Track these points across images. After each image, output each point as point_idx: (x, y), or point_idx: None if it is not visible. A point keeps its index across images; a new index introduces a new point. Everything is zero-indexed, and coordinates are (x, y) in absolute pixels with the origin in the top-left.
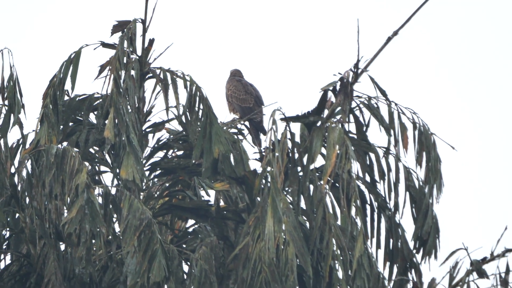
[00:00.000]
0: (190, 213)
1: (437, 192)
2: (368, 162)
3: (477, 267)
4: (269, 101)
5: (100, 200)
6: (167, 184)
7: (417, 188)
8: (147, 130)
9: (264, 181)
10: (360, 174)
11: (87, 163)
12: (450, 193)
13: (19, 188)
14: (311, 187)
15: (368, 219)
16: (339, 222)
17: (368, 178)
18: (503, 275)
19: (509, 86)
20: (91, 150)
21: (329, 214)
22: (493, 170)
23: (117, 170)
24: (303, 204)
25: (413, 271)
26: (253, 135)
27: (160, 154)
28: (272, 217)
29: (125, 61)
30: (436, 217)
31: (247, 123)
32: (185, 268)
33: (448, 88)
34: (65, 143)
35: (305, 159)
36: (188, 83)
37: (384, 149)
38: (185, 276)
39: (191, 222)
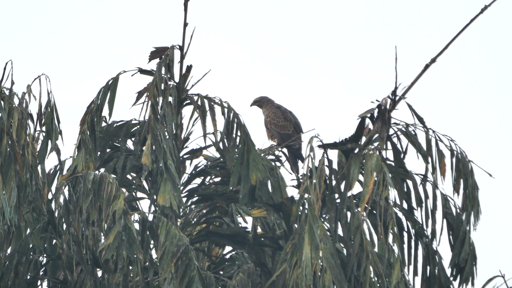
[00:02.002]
0: (227, 239)
1: (474, 219)
2: (405, 189)
3: None
4: (307, 128)
5: (137, 226)
6: (204, 211)
7: (454, 215)
8: (185, 156)
9: (301, 208)
10: (398, 201)
11: (124, 190)
12: (487, 220)
13: (56, 214)
14: (349, 214)
15: (406, 246)
16: (376, 249)
17: (405, 205)
18: None
19: None
20: (128, 176)
21: (367, 241)
22: None
23: (155, 197)
24: (340, 231)
25: None
26: (291, 162)
27: (198, 180)
28: (310, 244)
29: (162, 88)
30: (473, 244)
31: (285, 150)
32: None
33: (486, 115)
34: (102, 170)
35: (342, 186)
36: (225, 110)
37: (422, 176)
38: None
39: (228, 248)
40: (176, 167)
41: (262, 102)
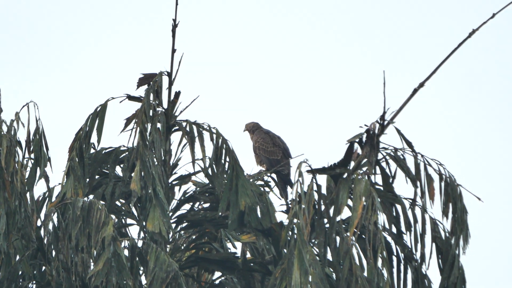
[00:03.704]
0: (216, 265)
1: (464, 243)
2: (394, 214)
3: None
4: (296, 153)
5: (126, 252)
6: (193, 237)
7: (443, 239)
8: (174, 182)
9: (290, 233)
10: (387, 226)
11: (113, 216)
12: (476, 244)
13: (45, 241)
14: (338, 238)
15: (395, 270)
16: (365, 274)
17: (394, 230)
18: None
19: None
20: (117, 203)
21: (356, 265)
22: None
23: (144, 223)
24: (329, 256)
25: None
26: (280, 187)
27: (187, 206)
28: (299, 268)
29: (151, 114)
30: (463, 268)
31: (274, 175)
32: None
33: (474, 139)
34: (91, 196)
35: (331, 211)
36: (214, 136)
37: (411, 201)
38: None
39: (217, 274)
40: (165, 193)
41: (250, 127)
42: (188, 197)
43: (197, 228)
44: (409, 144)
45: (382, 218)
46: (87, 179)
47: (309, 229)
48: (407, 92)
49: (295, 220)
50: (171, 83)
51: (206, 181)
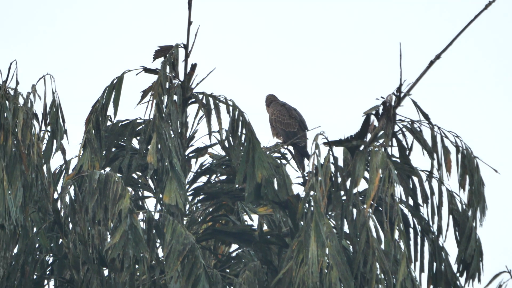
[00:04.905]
0: (233, 237)
1: (481, 215)
2: (411, 186)
3: None
4: (312, 125)
5: (143, 225)
6: (210, 209)
7: (460, 211)
8: (190, 155)
9: (307, 205)
10: (403, 198)
11: (130, 189)
12: (493, 216)
13: (62, 213)
14: (354, 211)
15: (412, 242)
16: (382, 246)
17: (411, 202)
18: None
19: None
20: (134, 175)
21: (373, 238)
22: None
23: (160, 195)
24: (346, 228)
25: None
26: (297, 159)
27: (203, 179)
28: (316, 241)
29: (167, 87)
30: (480, 240)
31: (291, 147)
32: None
33: (491, 110)
34: (108, 169)
35: (348, 183)
36: (230, 108)
37: (427, 173)
38: None
39: (234, 246)
40: (181, 165)
41: (267, 100)
42: (204, 170)
43: (214, 201)
44: (426, 116)
45: (399, 190)
46: (104, 152)
47: (325, 201)
48: (423, 64)
49: (312, 193)
50: (187, 55)
51: (223, 153)
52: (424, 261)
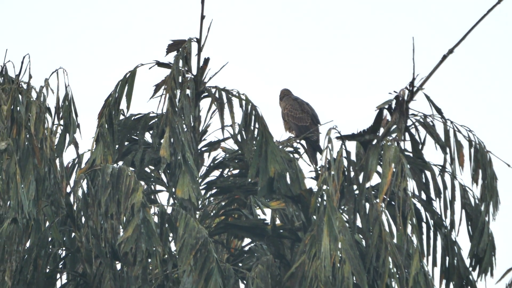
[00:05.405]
0: (246, 231)
1: (493, 210)
2: (424, 180)
3: None
4: (324, 119)
5: (156, 219)
6: (223, 203)
7: (473, 205)
8: (203, 149)
9: (320, 199)
10: (416, 192)
11: (142, 182)
12: (506, 210)
13: (75, 207)
14: (367, 205)
15: (424, 237)
16: (395, 240)
17: (424, 196)
18: None
19: None
20: (146, 169)
21: (385, 232)
22: None
23: (173, 189)
24: (359, 222)
25: None
26: (310, 154)
27: (216, 173)
28: (328, 235)
29: (180, 80)
30: (492, 235)
31: (303, 142)
32: (241, 286)
33: (504, 105)
34: (120, 163)
35: (361, 178)
36: (243, 102)
37: (440, 167)
38: None
39: (247, 240)
40: (194, 159)
41: (280, 94)
42: (217, 164)
43: (227, 195)
44: (439, 110)
45: (411, 185)
46: (117, 146)
47: (338, 195)
48: (436, 58)
49: (324, 187)
50: (200, 49)
51: (236, 147)
52: (436, 255)
